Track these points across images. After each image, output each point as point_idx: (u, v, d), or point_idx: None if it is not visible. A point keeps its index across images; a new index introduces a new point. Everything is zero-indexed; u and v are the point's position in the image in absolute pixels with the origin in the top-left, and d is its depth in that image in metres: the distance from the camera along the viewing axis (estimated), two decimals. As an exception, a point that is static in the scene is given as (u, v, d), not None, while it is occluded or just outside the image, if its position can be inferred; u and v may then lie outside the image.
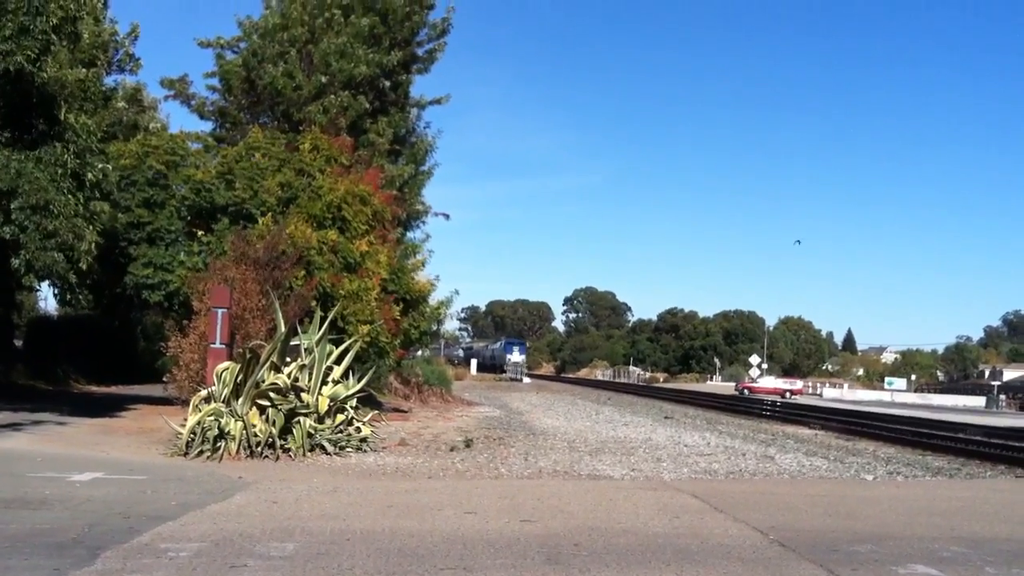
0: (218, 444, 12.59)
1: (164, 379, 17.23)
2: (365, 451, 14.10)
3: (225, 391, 13.21)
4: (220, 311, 15.03)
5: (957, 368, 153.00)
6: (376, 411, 17.49)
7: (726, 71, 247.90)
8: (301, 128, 24.30)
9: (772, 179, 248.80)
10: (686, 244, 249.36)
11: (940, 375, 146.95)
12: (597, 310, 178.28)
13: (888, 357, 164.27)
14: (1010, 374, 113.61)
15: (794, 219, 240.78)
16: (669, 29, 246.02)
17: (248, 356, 13.21)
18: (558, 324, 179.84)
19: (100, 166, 16.30)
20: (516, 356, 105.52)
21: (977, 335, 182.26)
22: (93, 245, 15.52)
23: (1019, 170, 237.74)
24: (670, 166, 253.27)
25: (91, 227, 15.63)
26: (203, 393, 13.58)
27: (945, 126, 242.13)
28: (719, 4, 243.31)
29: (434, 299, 27.54)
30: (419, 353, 41.40)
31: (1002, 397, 75.51)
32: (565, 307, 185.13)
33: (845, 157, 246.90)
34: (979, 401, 74.17)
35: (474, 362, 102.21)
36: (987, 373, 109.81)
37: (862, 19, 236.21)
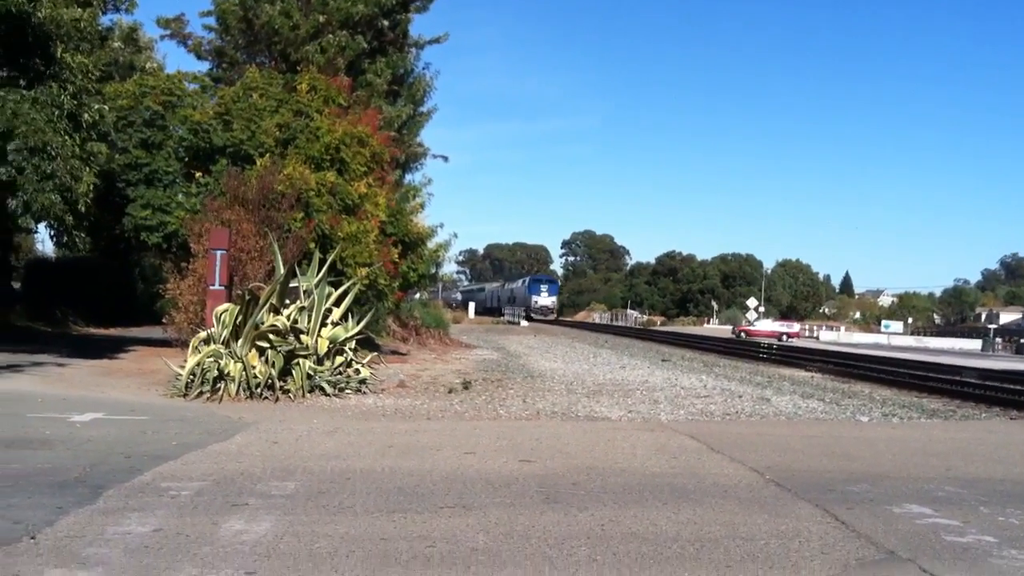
0: (218, 385, 12.65)
1: (163, 321, 17.29)
2: (364, 393, 14.18)
3: (224, 333, 13.24)
4: (219, 253, 15.02)
5: (954, 311, 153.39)
6: (375, 353, 17.56)
7: (728, 13, 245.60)
8: (299, 68, 24.11)
9: (772, 122, 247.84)
10: (685, 187, 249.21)
11: (937, 318, 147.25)
12: (595, 253, 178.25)
13: (885, 300, 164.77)
14: (1007, 317, 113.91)
15: (794, 162, 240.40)
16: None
17: (247, 298, 13.23)
18: (556, 267, 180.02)
19: (97, 107, 16.18)
20: (545, 298, 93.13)
21: (975, 278, 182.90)
22: (91, 186, 15.45)
23: (1019, 113, 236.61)
24: (669, 108, 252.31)
25: (88, 168, 15.55)
26: (202, 335, 13.61)
27: (943, 67, 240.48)
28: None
29: (433, 242, 27.54)
30: (417, 296, 41.46)
31: (998, 340, 75.77)
32: (563, 250, 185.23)
33: (844, 99, 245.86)
34: (975, 344, 74.45)
35: (472, 305, 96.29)
36: (984, 316, 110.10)
37: None
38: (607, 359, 29.39)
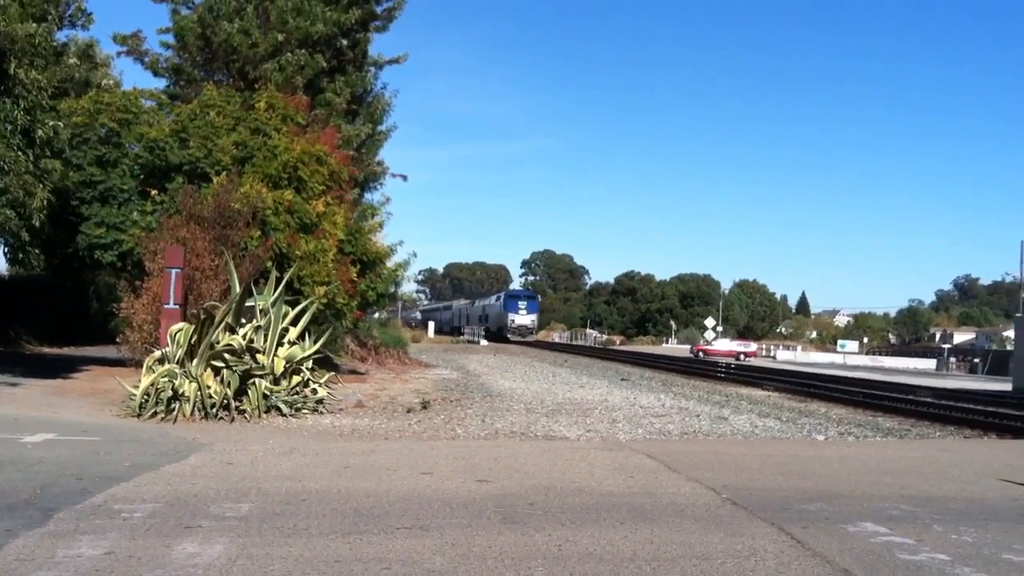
0: (172, 405, 12.51)
1: (117, 340, 17.08)
2: (321, 413, 14.07)
3: (179, 352, 13.10)
4: (174, 271, 14.90)
5: (909, 331, 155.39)
6: (332, 373, 17.44)
7: (683, 38, 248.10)
8: (257, 86, 24.00)
9: (729, 144, 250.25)
10: (644, 208, 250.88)
11: (892, 338, 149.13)
12: (555, 273, 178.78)
13: (841, 320, 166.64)
14: (960, 337, 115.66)
15: (750, 183, 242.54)
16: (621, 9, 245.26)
17: (203, 317, 13.11)
18: (516, 287, 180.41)
19: (51, 123, 16.04)
20: (524, 316, 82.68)
21: (929, 299, 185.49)
22: (44, 202, 15.28)
23: (971, 136, 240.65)
24: (628, 131, 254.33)
25: (42, 185, 15.38)
26: (157, 354, 13.47)
27: (897, 91, 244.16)
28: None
29: (392, 261, 27.46)
30: (376, 315, 41.27)
31: (952, 359, 76.86)
32: (523, 270, 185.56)
33: (800, 122, 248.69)
34: (930, 363, 75.47)
35: (431, 324, 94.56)
36: (938, 336, 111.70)
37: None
38: (566, 378, 29.40)
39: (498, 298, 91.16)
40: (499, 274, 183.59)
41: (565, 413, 16.76)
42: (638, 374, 35.68)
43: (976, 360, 72.77)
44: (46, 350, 26.69)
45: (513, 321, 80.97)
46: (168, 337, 13.45)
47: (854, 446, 13.56)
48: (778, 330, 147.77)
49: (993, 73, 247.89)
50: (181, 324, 13.67)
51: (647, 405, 19.53)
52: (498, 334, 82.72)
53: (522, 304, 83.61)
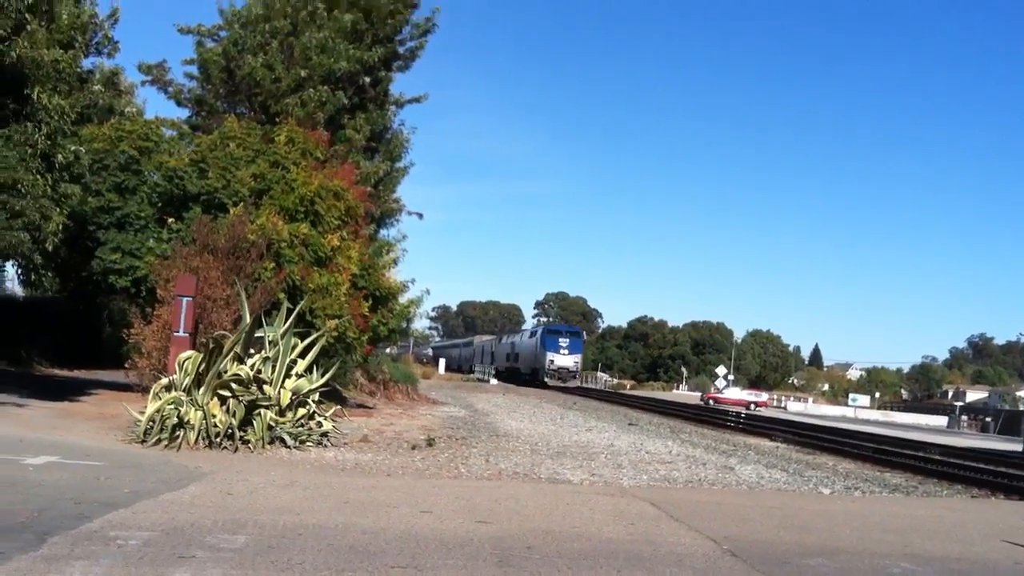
0: (177, 433, 12.50)
1: (126, 365, 17.12)
2: (326, 446, 14.05)
3: (187, 380, 13.12)
4: (185, 299, 14.96)
5: (921, 387, 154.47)
6: (339, 406, 17.44)
7: (702, 83, 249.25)
8: (278, 120, 24.18)
9: (746, 192, 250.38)
10: (659, 253, 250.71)
11: (904, 393, 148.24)
12: (568, 315, 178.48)
13: (854, 373, 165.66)
14: (973, 395, 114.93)
15: (768, 233, 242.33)
16: (648, 40, 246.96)
17: (211, 346, 13.14)
18: (528, 327, 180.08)
19: (72, 148, 16.15)
20: (565, 356, 68.33)
21: (943, 356, 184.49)
22: (60, 226, 15.37)
23: (988, 197, 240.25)
24: (646, 175, 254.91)
25: (59, 209, 15.48)
26: (164, 381, 13.49)
27: (919, 149, 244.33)
28: (698, 16, 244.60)
29: (405, 297, 27.50)
30: (387, 350, 41.25)
31: (964, 417, 76.38)
32: (536, 311, 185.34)
33: (819, 174, 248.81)
34: (941, 421, 74.98)
35: (442, 361, 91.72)
36: (950, 393, 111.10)
37: (845, 20, 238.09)
38: (574, 421, 29.29)
39: (533, 334, 77.04)
40: (512, 313, 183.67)
41: (570, 456, 16.69)
42: (647, 419, 35.51)
43: (988, 419, 72.21)
44: (56, 372, 26.76)
45: (552, 362, 67.16)
46: (176, 365, 13.48)
47: (859, 501, 13.45)
48: (790, 381, 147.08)
49: (1010, 132, 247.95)
50: (190, 352, 13.71)
51: (654, 451, 19.43)
52: (532, 377, 70.15)
53: (564, 342, 68.72)
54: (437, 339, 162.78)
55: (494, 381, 73.66)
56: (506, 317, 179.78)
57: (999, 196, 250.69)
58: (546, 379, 67.29)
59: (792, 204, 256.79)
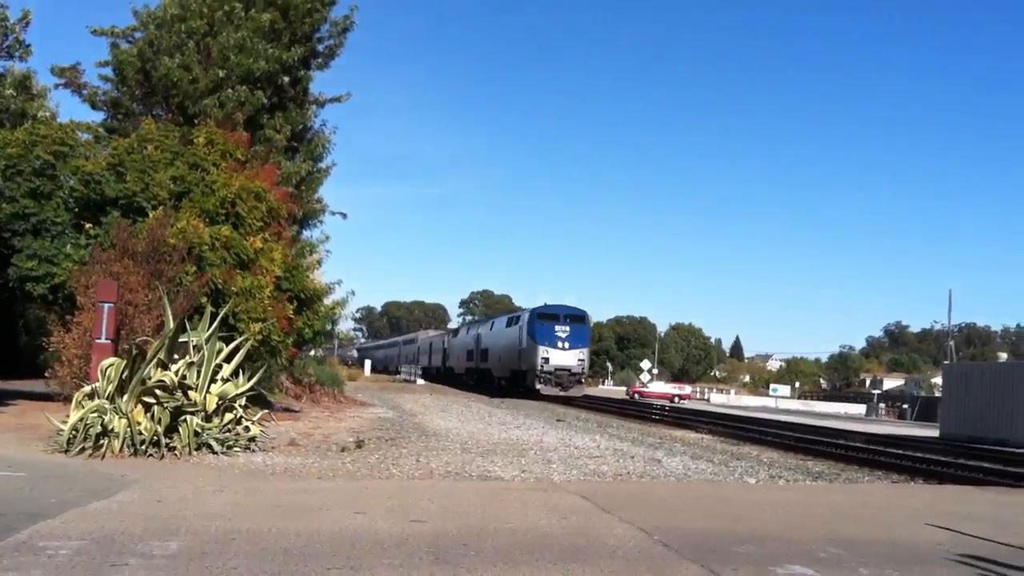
0: (101, 442, 12.28)
1: (46, 374, 16.75)
2: (253, 451, 13.91)
3: (110, 387, 12.89)
4: (106, 306, 14.69)
5: (840, 376, 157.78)
6: (266, 410, 17.26)
7: (623, 78, 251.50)
8: (196, 121, 23.83)
9: (666, 187, 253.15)
10: (582, 250, 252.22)
11: (823, 383, 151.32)
12: (493, 313, 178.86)
13: (774, 364, 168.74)
14: (890, 383, 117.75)
15: (688, 228, 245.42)
16: (570, 38, 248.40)
17: (134, 352, 12.92)
18: (454, 326, 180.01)
19: (-17, 153, 15.77)
20: (564, 353, 48.43)
21: (860, 345, 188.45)
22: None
23: (904, 187, 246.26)
24: (567, 171, 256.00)
25: (-28, 216, 15.11)
26: (87, 389, 13.23)
27: (830, 142, 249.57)
28: (616, 12, 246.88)
29: (329, 299, 27.31)
30: (313, 353, 40.92)
31: (881, 405, 78.33)
32: (462, 309, 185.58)
33: (734, 168, 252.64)
34: (860, 409, 76.77)
35: (368, 363, 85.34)
36: (868, 382, 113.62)
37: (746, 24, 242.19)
38: (503, 418, 29.36)
39: (513, 321, 55.24)
40: (437, 313, 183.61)
41: (500, 453, 16.75)
42: (574, 415, 35.73)
43: (905, 406, 74.09)
44: (-29, 384, 26.05)
45: (546, 360, 47.63)
46: (99, 372, 13.22)
47: (785, 490, 13.74)
48: (712, 373, 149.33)
49: (922, 128, 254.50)
50: (112, 359, 13.46)
51: (582, 446, 19.58)
52: (511, 382, 53.06)
53: (562, 331, 48.50)
54: (362, 340, 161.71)
55: (421, 381, 69.10)
56: (431, 316, 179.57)
57: (910, 187, 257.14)
58: (538, 385, 47.70)
59: (710, 199, 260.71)
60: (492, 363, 57.76)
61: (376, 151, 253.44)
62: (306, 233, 31.49)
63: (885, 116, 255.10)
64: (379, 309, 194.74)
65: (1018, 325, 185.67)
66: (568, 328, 48.93)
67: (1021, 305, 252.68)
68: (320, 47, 30.03)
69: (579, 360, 48.89)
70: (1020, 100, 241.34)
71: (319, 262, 28.38)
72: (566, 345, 48.52)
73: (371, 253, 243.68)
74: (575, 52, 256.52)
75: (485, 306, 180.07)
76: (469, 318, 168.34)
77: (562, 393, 47.45)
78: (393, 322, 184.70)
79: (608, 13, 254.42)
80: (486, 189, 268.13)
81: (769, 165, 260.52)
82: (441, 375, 72.73)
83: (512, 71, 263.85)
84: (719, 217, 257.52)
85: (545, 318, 49.82)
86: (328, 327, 27.64)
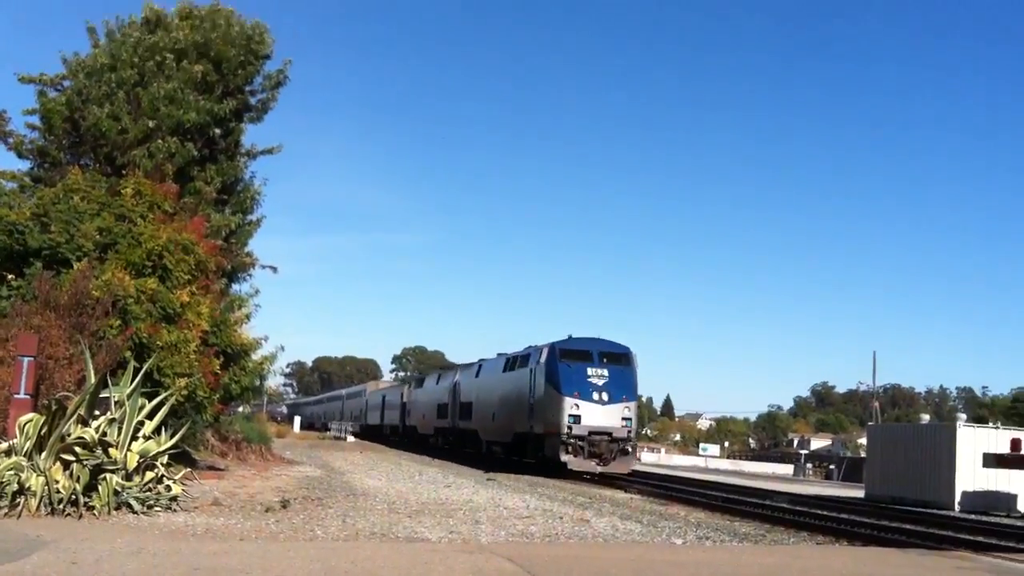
0: (17, 500, 11.93)
1: (-40, 430, 16.27)
2: (175, 510, 13.60)
3: (28, 444, 12.56)
4: (26, 360, 14.39)
5: (768, 436, 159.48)
6: (189, 469, 16.95)
7: (543, 149, 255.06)
8: (124, 172, 23.54)
9: (594, 249, 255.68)
10: (515, 308, 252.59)
11: (752, 442, 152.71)
12: (426, 369, 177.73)
13: (704, 423, 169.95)
14: (817, 443, 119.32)
15: (620, 287, 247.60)
16: (507, 95, 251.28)
17: (54, 408, 12.62)
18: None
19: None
20: (602, 408, 32.70)
21: (788, 404, 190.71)
22: None
23: (831, 250, 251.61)
24: (504, 227, 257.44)
25: None
26: (3, 445, 12.89)
27: (751, 205, 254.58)
28: (546, 65, 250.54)
29: (258, 354, 26.93)
30: (240, 409, 40.28)
31: (808, 465, 79.14)
32: (394, 365, 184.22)
33: (665, 230, 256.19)
34: (787, 469, 77.49)
35: (297, 419, 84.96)
36: (796, 441, 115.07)
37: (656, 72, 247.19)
38: (433, 477, 29.11)
39: (522, 362, 38.47)
40: (369, 368, 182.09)
41: (428, 514, 16.58)
42: (505, 475, 35.54)
43: (832, 467, 74.92)
44: None
45: (576, 419, 32.52)
46: (16, 428, 12.90)
47: (711, 551, 13.77)
48: (643, 432, 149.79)
49: (844, 192, 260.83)
50: (31, 415, 13.12)
51: (511, 506, 19.47)
52: (516, 450, 38.54)
53: (598, 376, 33.44)
54: (292, 396, 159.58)
55: (351, 438, 66.17)
56: (363, 372, 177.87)
57: (837, 250, 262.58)
58: (563, 456, 32.34)
59: (637, 259, 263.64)
60: (479, 422, 43.09)
61: (311, 203, 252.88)
62: (235, 287, 31.10)
63: (807, 179, 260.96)
64: (310, 364, 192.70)
65: (941, 387, 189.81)
66: (606, 372, 33.37)
67: (944, 367, 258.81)
68: (253, 100, 29.92)
69: (624, 420, 32.96)
70: (942, 164, 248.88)
71: (248, 316, 28.00)
72: (604, 397, 32.74)
73: (303, 308, 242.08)
74: (516, 109, 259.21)
75: (418, 362, 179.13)
76: (402, 374, 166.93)
77: (601, 469, 32.28)
78: (324, 377, 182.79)
79: (551, 67, 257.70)
80: (422, 244, 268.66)
81: (697, 226, 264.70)
82: (398, 437, 59.03)
83: (452, 127, 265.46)
84: (651, 277, 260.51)
85: (572, 356, 34.07)
86: (256, 383, 27.18)
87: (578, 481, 32.92)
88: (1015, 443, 28.79)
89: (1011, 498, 29.71)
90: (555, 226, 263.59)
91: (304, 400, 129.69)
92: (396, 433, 61.04)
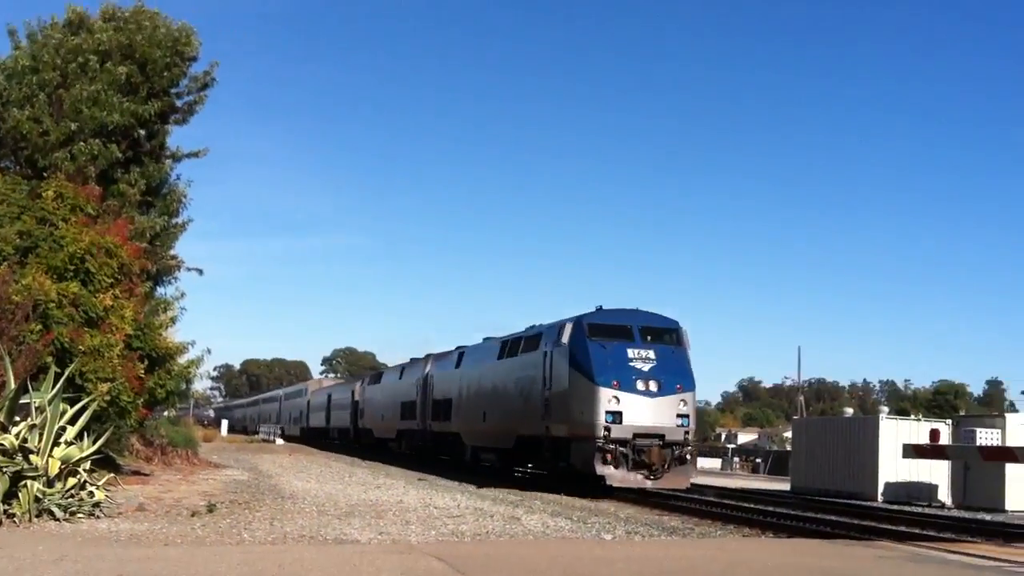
0: (-68, 510, 11.69)
1: None
2: (98, 517, 13.41)
3: (-57, 453, 12.30)
4: (-58, 366, 14.06)
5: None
6: (113, 474, 16.70)
7: (483, 146, 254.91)
8: (46, 175, 23.14)
9: (535, 252, 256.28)
10: (447, 309, 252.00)
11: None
12: (357, 371, 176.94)
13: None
14: (744, 437, 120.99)
15: (555, 288, 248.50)
16: (444, 100, 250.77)
17: (-29, 415, 12.39)
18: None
19: None
20: (651, 401, 24.02)
21: (715, 399, 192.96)
22: None
23: (757, 249, 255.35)
24: (435, 230, 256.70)
25: None
26: (-82, 455, 12.60)
27: (682, 206, 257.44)
28: (487, 67, 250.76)
29: (184, 358, 26.60)
30: (166, 413, 39.72)
31: (736, 459, 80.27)
32: (324, 367, 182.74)
33: (599, 240, 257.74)
34: (715, 463, 78.39)
35: (225, 423, 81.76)
36: (723, 436, 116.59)
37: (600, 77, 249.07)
38: (363, 478, 28.99)
39: (533, 342, 28.69)
40: (298, 370, 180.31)
41: (358, 515, 16.53)
42: (436, 474, 35.50)
43: (759, 460, 76.06)
44: None
45: (616, 416, 23.68)
46: (-68, 436, 12.63)
47: (640, 545, 13.95)
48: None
49: (768, 191, 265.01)
50: (-53, 422, 12.87)
51: (442, 506, 19.48)
52: (518, 457, 31.43)
53: (642, 357, 24.57)
54: (220, 399, 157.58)
55: (280, 442, 64.05)
56: (292, 374, 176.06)
57: (763, 249, 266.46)
58: (600, 467, 23.91)
59: (580, 265, 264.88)
60: (463, 423, 34.82)
61: (240, 207, 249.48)
62: (160, 290, 30.67)
63: (732, 183, 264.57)
64: (238, 367, 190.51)
65: (865, 381, 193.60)
66: (653, 353, 25.18)
67: (868, 362, 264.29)
68: (179, 102, 29.51)
69: (680, 417, 24.98)
70: (855, 161, 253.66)
71: (173, 320, 27.64)
72: (653, 386, 24.68)
73: (231, 310, 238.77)
74: (455, 116, 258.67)
75: (348, 363, 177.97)
76: (332, 375, 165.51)
77: (651, 485, 24.73)
78: (252, 380, 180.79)
79: (497, 65, 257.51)
80: (350, 246, 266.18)
81: (633, 227, 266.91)
82: (349, 441, 52.28)
83: (384, 129, 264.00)
84: (584, 280, 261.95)
85: (605, 333, 25.83)
86: (182, 386, 26.84)
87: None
88: (934, 434, 29.54)
89: (932, 488, 30.44)
90: (484, 228, 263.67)
91: (235, 403, 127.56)
92: (346, 437, 54.23)
